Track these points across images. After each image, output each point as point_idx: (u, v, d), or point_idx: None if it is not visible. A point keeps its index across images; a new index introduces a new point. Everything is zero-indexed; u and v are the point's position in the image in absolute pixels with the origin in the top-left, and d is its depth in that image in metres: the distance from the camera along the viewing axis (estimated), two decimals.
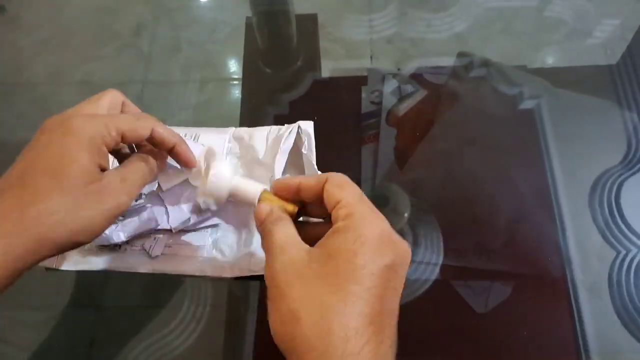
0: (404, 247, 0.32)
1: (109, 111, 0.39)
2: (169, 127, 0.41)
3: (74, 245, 0.34)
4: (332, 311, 0.28)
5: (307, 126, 0.51)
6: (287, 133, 0.50)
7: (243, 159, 0.52)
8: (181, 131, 0.53)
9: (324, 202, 0.34)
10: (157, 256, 0.48)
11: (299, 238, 0.33)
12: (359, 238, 0.30)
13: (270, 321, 0.30)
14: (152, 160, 0.40)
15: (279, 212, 0.36)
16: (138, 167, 0.39)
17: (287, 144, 0.49)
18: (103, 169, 0.36)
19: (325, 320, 0.28)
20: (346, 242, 0.30)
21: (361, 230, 0.30)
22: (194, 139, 0.52)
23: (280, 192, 0.37)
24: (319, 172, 0.50)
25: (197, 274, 0.48)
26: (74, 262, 0.49)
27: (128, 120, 0.37)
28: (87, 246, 0.48)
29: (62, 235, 0.32)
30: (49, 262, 0.48)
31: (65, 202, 0.32)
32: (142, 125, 0.38)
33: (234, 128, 0.54)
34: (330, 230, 0.32)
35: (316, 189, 0.35)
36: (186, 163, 0.43)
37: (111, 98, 0.40)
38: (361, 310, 0.28)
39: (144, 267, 0.48)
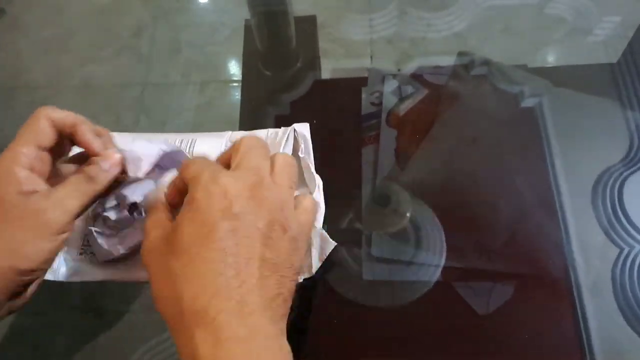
0: (275, 196, 0.33)
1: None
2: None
3: (20, 273, 0.34)
4: (178, 279, 0.30)
5: (303, 128, 0.51)
6: (284, 139, 0.49)
7: None
8: (177, 137, 0.52)
9: None
10: None
11: (166, 220, 0.35)
12: (198, 203, 0.31)
13: (152, 298, 0.32)
14: (90, 171, 0.38)
15: (158, 202, 0.37)
16: (69, 181, 0.37)
17: (286, 151, 0.49)
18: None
19: (178, 290, 0.30)
20: (186, 210, 0.32)
21: (197, 193, 0.32)
22: (190, 144, 0.52)
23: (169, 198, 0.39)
24: (316, 175, 0.50)
25: None
26: (71, 274, 0.48)
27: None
28: (88, 258, 0.48)
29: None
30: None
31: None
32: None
33: (230, 132, 0.54)
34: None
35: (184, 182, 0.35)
36: (86, 149, 0.39)
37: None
38: (204, 267, 0.30)
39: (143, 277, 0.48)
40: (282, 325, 0.31)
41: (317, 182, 0.49)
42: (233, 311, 0.28)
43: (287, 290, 0.32)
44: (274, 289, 0.31)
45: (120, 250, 0.47)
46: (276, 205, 0.33)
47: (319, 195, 0.49)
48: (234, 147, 0.36)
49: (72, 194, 0.36)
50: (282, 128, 0.51)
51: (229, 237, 0.30)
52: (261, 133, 0.52)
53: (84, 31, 0.69)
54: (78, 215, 0.36)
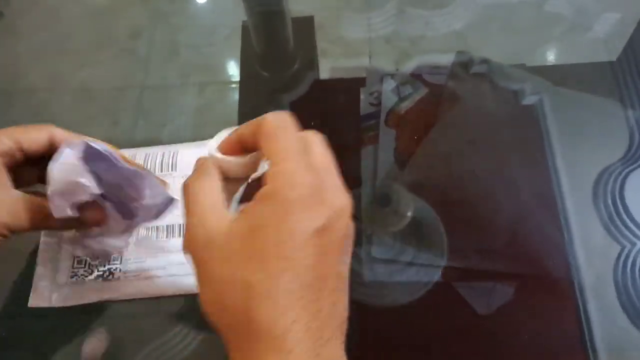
0: (340, 199, 0.28)
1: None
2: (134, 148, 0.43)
3: None
4: (256, 294, 0.25)
5: None
6: None
7: None
8: (159, 150, 0.52)
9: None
10: (153, 277, 0.47)
11: (222, 203, 0.29)
12: (283, 205, 0.26)
13: (200, 299, 0.28)
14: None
15: (208, 165, 0.31)
16: (34, 201, 0.38)
17: None
18: None
19: (248, 305, 0.25)
20: (270, 212, 0.26)
21: (286, 194, 0.26)
22: (172, 157, 0.52)
23: (225, 151, 0.32)
24: None
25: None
26: (64, 298, 0.47)
27: (19, 128, 0.38)
28: (80, 280, 0.48)
29: None
30: (39, 302, 0.48)
31: None
32: (37, 129, 0.38)
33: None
34: (257, 194, 0.27)
35: (254, 138, 0.30)
36: None
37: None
38: (287, 286, 0.25)
39: (142, 293, 0.47)
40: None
41: None
42: (311, 342, 0.25)
43: (347, 309, 0.29)
44: (343, 311, 0.28)
45: (130, 240, 0.47)
46: (346, 213, 0.28)
47: None
48: (262, 130, 0.29)
49: (26, 213, 0.38)
50: None
51: (317, 252, 0.26)
52: None
53: (81, 34, 0.69)
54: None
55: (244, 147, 0.31)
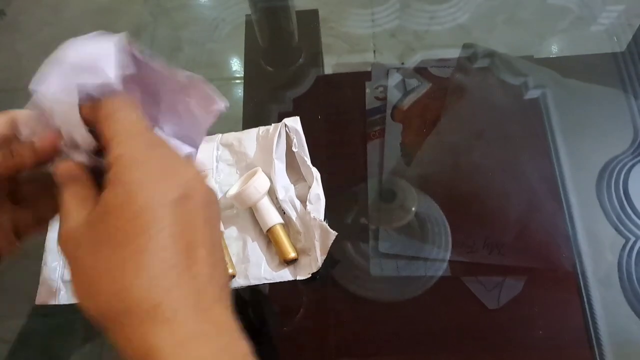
0: (189, 169, 0.28)
1: None
2: None
3: None
4: (125, 273, 0.25)
5: (294, 123, 0.50)
6: (276, 136, 0.49)
7: (237, 166, 0.51)
8: None
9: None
10: None
11: (91, 198, 0.28)
12: (130, 186, 0.26)
13: (76, 293, 0.27)
14: None
15: (77, 170, 0.29)
16: None
17: (280, 150, 0.49)
18: None
19: (121, 284, 0.25)
20: (117, 194, 0.26)
21: (132, 175, 0.26)
22: None
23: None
24: (314, 168, 0.50)
25: None
26: (70, 296, 0.48)
27: None
28: None
29: None
30: (46, 299, 0.48)
31: None
32: None
33: (220, 135, 0.53)
34: (106, 180, 0.27)
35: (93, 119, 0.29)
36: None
37: None
38: (152, 259, 0.25)
39: None
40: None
41: (314, 174, 0.49)
42: (192, 308, 0.25)
43: (227, 274, 0.29)
44: (223, 276, 0.28)
45: None
46: (200, 180, 0.29)
47: (317, 187, 0.49)
48: (100, 112, 0.28)
49: None
50: (272, 125, 0.51)
51: (181, 221, 0.26)
52: (252, 132, 0.52)
53: (83, 31, 0.68)
54: None
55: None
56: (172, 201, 0.26)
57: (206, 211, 0.28)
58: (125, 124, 0.28)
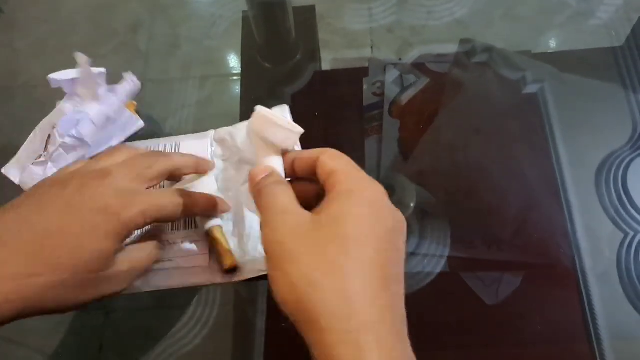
0: (400, 213, 0.31)
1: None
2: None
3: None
4: (352, 275, 0.27)
5: (282, 111, 0.50)
6: None
7: (230, 161, 0.51)
8: (160, 142, 0.52)
9: (317, 175, 0.33)
10: (158, 270, 0.47)
11: (299, 205, 0.32)
12: (363, 201, 0.29)
13: (277, 289, 0.28)
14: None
15: (279, 177, 0.34)
16: (144, 250, 0.40)
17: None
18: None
19: (346, 284, 0.27)
20: (352, 205, 0.29)
21: (363, 193, 0.30)
22: (174, 148, 0.51)
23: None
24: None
25: (207, 283, 0.46)
26: None
27: (164, 201, 0.38)
28: None
29: (49, 307, 0.33)
30: None
31: (67, 283, 0.33)
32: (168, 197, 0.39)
33: (213, 131, 0.53)
34: (331, 195, 0.30)
35: (309, 162, 0.33)
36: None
37: (127, 154, 0.41)
38: (376, 273, 0.28)
39: (148, 285, 0.47)
40: None
41: None
42: (399, 341, 0.28)
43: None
44: (404, 310, 0.30)
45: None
46: (404, 222, 0.32)
47: None
48: (327, 158, 0.33)
49: (139, 269, 0.39)
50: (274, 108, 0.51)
51: (388, 249, 0.29)
52: (242, 125, 0.52)
53: (80, 28, 0.68)
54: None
55: (294, 167, 0.35)
56: (388, 230, 0.29)
57: (403, 249, 0.30)
58: (348, 162, 0.33)
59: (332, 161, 0.32)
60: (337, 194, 0.30)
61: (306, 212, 0.31)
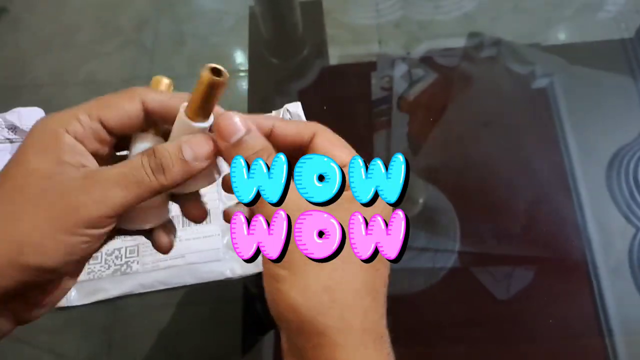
0: None
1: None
2: None
3: (23, 269, 0.24)
4: (362, 294, 0.27)
5: (296, 108, 0.50)
6: None
7: None
8: None
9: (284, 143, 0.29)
10: (169, 267, 0.47)
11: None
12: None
13: (290, 293, 0.26)
14: (163, 156, 0.26)
15: (270, 147, 0.28)
16: (130, 162, 0.27)
17: None
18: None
19: (359, 304, 0.26)
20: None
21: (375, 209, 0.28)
22: None
23: None
24: None
25: (218, 278, 0.47)
26: (82, 296, 0.47)
27: (100, 101, 0.27)
28: (95, 275, 0.47)
29: None
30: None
31: None
32: (125, 97, 0.27)
33: None
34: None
35: (297, 139, 0.29)
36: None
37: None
38: (384, 296, 0.28)
39: (160, 283, 0.47)
40: None
41: None
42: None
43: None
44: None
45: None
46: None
47: None
48: (325, 142, 0.29)
49: (124, 180, 0.26)
50: (274, 111, 0.51)
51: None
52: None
53: (86, 27, 0.68)
54: (122, 212, 0.26)
55: (272, 138, 0.29)
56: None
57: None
58: (349, 152, 0.29)
59: (331, 148, 0.28)
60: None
61: None
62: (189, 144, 0.26)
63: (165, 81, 0.31)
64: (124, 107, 0.27)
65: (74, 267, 0.27)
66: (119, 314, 0.49)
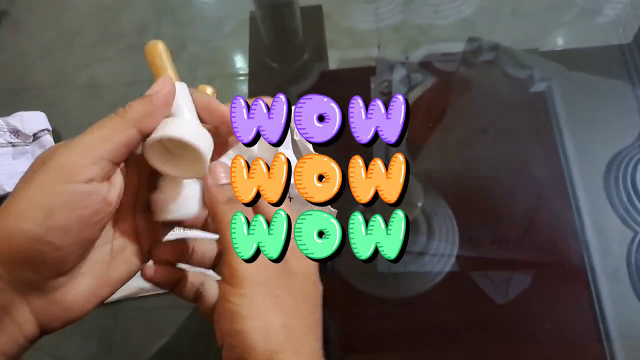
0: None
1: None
2: None
3: (12, 236, 0.25)
4: (311, 333, 0.31)
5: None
6: None
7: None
8: None
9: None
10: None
11: None
12: (313, 264, 0.32)
13: (249, 332, 0.28)
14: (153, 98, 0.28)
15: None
16: (115, 113, 0.27)
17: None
18: None
19: (308, 343, 0.30)
20: (307, 266, 0.32)
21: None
22: None
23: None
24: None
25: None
26: None
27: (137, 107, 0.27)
28: None
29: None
30: None
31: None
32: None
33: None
34: None
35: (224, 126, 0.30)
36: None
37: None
38: (319, 331, 0.31)
39: (157, 288, 0.47)
40: None
41: None
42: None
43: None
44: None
45: None
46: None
47: None
48: None
49: (107, 130, 0.26)
50: None
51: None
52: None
53: (87, 30, 0.69)
54: (112, 164, 0.26)
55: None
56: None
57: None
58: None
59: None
60: (297, 250, 0.28)
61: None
62: (155, 92, 0.28)
63: (209, 90, 0.36)
64: (121, 140, 0.26)
65: (72, 248, 0.26)
66: (119, 316, 0.49)
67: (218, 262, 0.35)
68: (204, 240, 0.35)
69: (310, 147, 0.49)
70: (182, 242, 0.34)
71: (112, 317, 0.49)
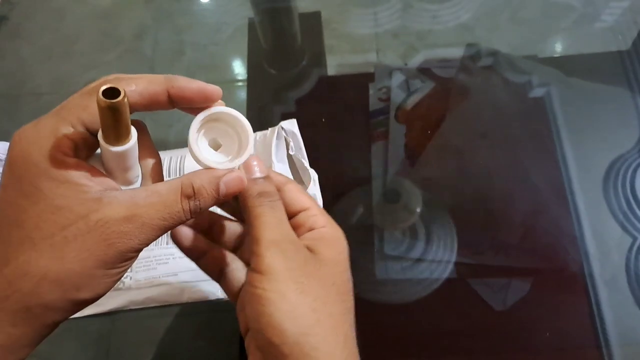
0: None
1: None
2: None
3: (77, 304, 0.26)
4: (343, 320, 0.30)
5: (291, 125, 0.50)
6: (274, 139, 0.49)
7: None
8: (166, 155, 0.52)
9: (285, 204, 0.32)
10: (162, 285, 0.47)
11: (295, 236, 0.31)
12: (343, 251, 0.32)
13: (276, 314, 0.28)
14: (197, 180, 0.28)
15: (276, 193, 0.31)
16: (161, 190, 0.27)
17: (281, 153, 0.48)
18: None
19: (341, 328, 0.30)
20: (337, 253, 0.31)
21: (342, 243, 0.32)
22: (179, 161, 0.51)
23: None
24: (311, 170, 0.49)
25: (210, 298, 0.46)
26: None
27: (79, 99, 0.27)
28: None
29: (53, 294, 0.25)
30: None
31: (39, 255, 0.25)
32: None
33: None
34: (315, 235, 0.31)
35: (292, 208, 0.33)
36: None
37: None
38: (351, 319, 0.31)
39: (153, 301, 0.47)
40: None
41: (312, 176, 0.49)
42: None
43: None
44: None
45: None
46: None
47: (314, 188, 0.49)
48: (296, 191, 0.33)
49: (161, 218, 0.26)
50: (269, 129, 0.50)
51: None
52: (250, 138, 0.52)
53: (86, 36, 0.69)
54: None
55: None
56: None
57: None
58: (316, 201, 0.34)
59: (302, 196, 0.32)
60: (322, 238, 0.31)
61: (303, 246, 0.31)
62: (226, 183, 0.29)
63: None
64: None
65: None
66: (117, 323, 0.49)
67: (240, 247, 0.35)
68: (227, 220, 0.36)
69: (306, 162, 0.49)
70: (214, 214, 0.35)
71: (110, 324, 0.49)
